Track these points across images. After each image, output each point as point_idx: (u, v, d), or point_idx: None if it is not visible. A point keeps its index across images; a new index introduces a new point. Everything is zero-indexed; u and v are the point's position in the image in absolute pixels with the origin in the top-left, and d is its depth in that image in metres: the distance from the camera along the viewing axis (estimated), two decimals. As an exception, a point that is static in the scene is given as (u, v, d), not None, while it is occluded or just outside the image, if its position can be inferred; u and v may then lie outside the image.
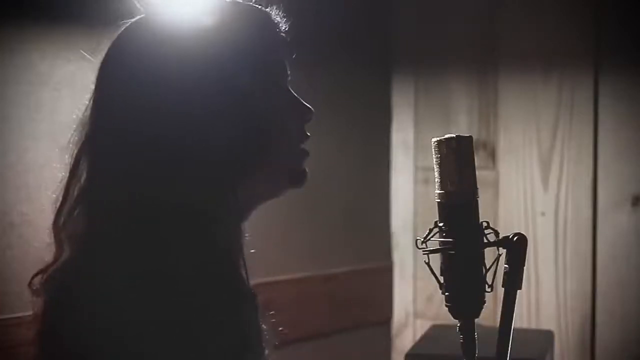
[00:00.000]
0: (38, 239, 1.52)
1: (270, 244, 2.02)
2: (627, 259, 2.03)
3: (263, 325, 1.09)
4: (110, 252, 0.99)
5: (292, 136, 1.11)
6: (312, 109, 1.13)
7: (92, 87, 1.07)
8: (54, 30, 1.57)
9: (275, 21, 1.12)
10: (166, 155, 1.01)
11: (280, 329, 1.14)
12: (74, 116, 1.08)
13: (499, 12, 2.18)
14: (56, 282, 1.03)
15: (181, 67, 1.02)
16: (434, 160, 1.04)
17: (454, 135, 1.03)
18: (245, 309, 1.03)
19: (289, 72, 1.13)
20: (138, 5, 1.08)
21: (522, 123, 2.16)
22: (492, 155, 2.20)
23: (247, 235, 1.11)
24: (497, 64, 2.19)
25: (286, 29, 1.13)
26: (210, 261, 1.00)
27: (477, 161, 1.06)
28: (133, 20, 1.08)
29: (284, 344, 1.18)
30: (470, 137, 1.04)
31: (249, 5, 1.12)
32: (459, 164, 1.02)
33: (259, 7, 1.12)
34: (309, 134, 1.13)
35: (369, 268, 2.31)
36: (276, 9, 1.13)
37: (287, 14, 1.14)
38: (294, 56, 1.15)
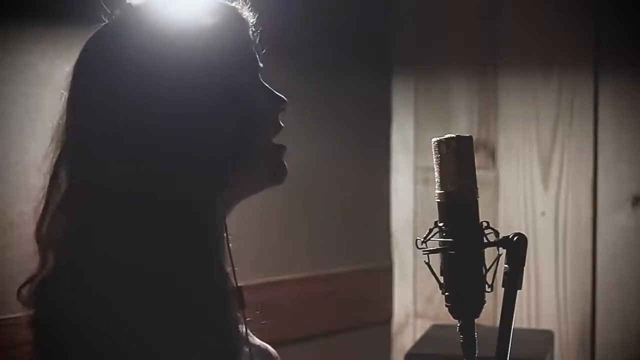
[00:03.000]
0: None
1: (271, 244, 2.03)
2: (627, 259, 2.03)
3: (243, 323, 1.09)
4: (94, 257, 0.99)
5: (267, 127, 1.11)
6: (285, 98, 1.13)
7: (64, 93, 1.07)
8: (54, 30, 1.57)
9: (244, 15, 1.12)
10: (144, 156, 1.00)
11: (263, 322, 1.14)
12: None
13: (499, 12, 2.18)
14: (44, 292, 1.03)
15: (153, 69, 1.02)
16: (434, 160, 1.04)
17: (454, 135, 1.03)
18: (228, 306, 1.03)
19: (260, 64, 1.13)
20: (107, 9, 1.09)
21: (522, 123, 2.16)
22: (492, 155, 2.20)
23: (229, 234, 1.11)
24: (497, 64, 2.19)
25: (254, 22, 1.13)
26: (195, 260, 1.00)
27: (477, 161, 1.06)
28: (102, 24, 1.09)
29: (284, 344, 1.19)
30: (470, 137, 1.04)
31: (215, 2, 1.12)
32: (459, 164, 1.02)
33: (226, 3, 1.12)
34: (282, 124, 1.13)
35: (369, 268, 2.31)
36: (243, 2, 1.13)
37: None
38: (263, 50, 1.15)
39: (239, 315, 1.06)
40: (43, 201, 1.06)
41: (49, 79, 1.56)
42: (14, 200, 1.53)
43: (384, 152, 2.36)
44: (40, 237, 1.06)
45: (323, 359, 2.16)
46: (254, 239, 1.96)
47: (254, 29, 1.13)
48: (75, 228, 1.03)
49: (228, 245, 1.07)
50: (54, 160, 1.06)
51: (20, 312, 1.49)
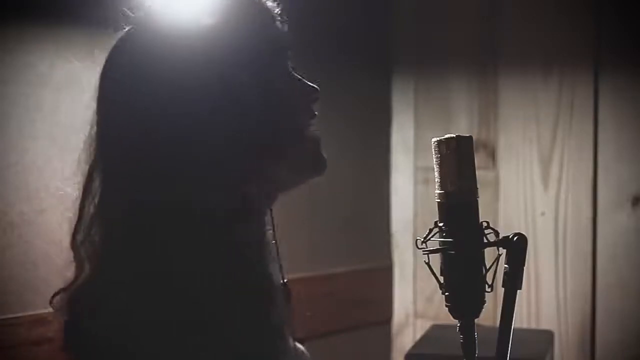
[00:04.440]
0: (38, 238, 1.53)
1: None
2: (627, 259, 2.03)
3: (289, 319, 1.08)
4: (130, 267, 0.98)
5: (301, 117, 1.10)
6: (317, 87, 1.12)
7: (94, 103, 1.06)
8: (54, 30, 1.57)
9: (270, 8, 1.10)
10: (178, 160, 0.99)
11: (308, 314, 1.14)
12: (75, 117, 1.08)
13: (499, 12, 2.18)
14: (78, 302, 1.02)
15: (181, 71, 1.00)
16: (434, 160, 1.04)
17: (454, 135, 1.03)
18: (271, 304, 1.02)
19: (289, 55, 1.12)
20: (129, 13, 1.07)
21: (522, 123, 2.16)
22: (492, 155, 2.20)
23: (268, 228, 1.10)
24: (497, 64, 2.19)
25: (281, 15, 1.11)
26: (235, 261, 0.99)
27: (477, 161, 1.05)
28: (125, 30, 1.07)
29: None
30: (470, 137, 1.04)
31: None
32: (459, 164, 1.02)
33: None
34: (316, 112, 1.12)
35: (369, 268, 2.31)
36: None
37: (288, 14, 1.14)
38: (292, 41, 1.14)
39: (283, 310, 1.06)
40: (77, 210, 1.05)
41: (49, 79, 1.56)
42: (14, 200, 1.53)
43: (384, 152, 2.36)
44: (75, 246, 1.05)
45: (323, 359, 2.16)
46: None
47: (280, 20, 1.11)
48: (110, 237, 1.02)
49: (275, 239, 1.07)
50: (87, 169, 1.05)
51: (20, 312, 1.50)
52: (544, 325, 2.09)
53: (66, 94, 1.56)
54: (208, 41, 1.02)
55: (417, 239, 1.05)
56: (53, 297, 1.06)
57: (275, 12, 1.11)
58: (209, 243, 0.98)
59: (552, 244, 2.12)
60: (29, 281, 1.51)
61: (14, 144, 1.53)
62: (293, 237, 2.09)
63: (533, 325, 2.12)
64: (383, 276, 2.35)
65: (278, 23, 1.11)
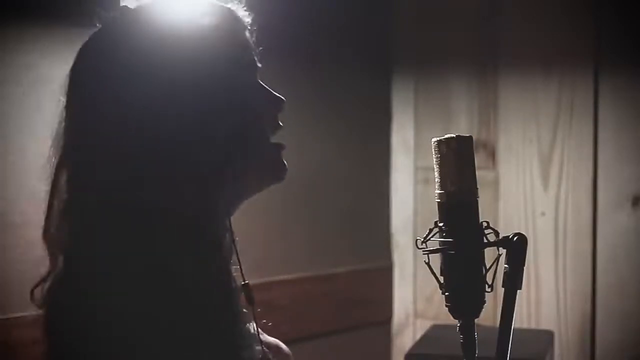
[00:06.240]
0: (39, 238, 1.53)
1: (271, 244, 2.03)
2: (627, 259, 2.03)
3: (254, 322, 1.09)
4: (100, 259, 0.99)
5: (266, 127, 1.11)
6: (283, 98, 1.13)
7: (63, 98, 1.08)
8: (54, 30, 1.57)
9: (240, 15, 1.12)
10: (143, 158, 1.00)
11: (264, 321, 1.14)
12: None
13: (499, 12, 2.18)
14: (54, 293, 1.04)
15: (151, 71, 1.02)
16: (434, 160, 1.04)
17: (454, 135, 1.03)
18: (236, 306, 1.03)
19: (258, 64, 1.13)
20: (103, 12, 1.08)
21: (522, 123, 2.16)
22: (492, 155, 2.20)
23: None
24: (497, 64, 2.19)
25: (250, 22, 1.13)
26: (201, 260, 1.00)
27: (477, 161, 1.06)
28: (97, 28, 1.08)
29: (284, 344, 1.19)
30: (470, 137, 1.04)
31: (211, 3, 1.11)
32: (459, 164, 1.02)
33: (221, 4, 1.12)
34: (281, 123, 1.13)
35: (369, 268, 2.31)
36: (239, 2, 1.13)
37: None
38: (259, 48, 1.14)
39: (247, 312, 1.07)
40: (46, 204, 1.07)
41: (49, 79, 1.56)
42: (14, 200, 1.53)
43: (384, 152, 2.36)
44: (47, 239, 1.06)
45: (323, 359, 2.16)
46: (254, 239, 1.96)
47: (250, 29, 1.12)
48: (79, 231, 1.03)
49: (234, 243, 1.07)
50: (55, 165, 1.07)
51: (20, 312, 1.50)
52: (544, 325, 2.09)
53: (66, 94, 1.56)
54: (178, 47, 1.03)
55: (417, 239, 1.05)
56: (32, 290, 1.07)
57: (246, 21, 1.12)
58: (173, 240, 0.99)
59: (552, 244, 2.12)
60: (30, 281, 1.51)
61: (14, 143, 1.53)
62: (293, 237, 2.09)
63: (533, 325, 2.12)
64: (383, 276, 2.35)
65: (247, 33, 1.12)
